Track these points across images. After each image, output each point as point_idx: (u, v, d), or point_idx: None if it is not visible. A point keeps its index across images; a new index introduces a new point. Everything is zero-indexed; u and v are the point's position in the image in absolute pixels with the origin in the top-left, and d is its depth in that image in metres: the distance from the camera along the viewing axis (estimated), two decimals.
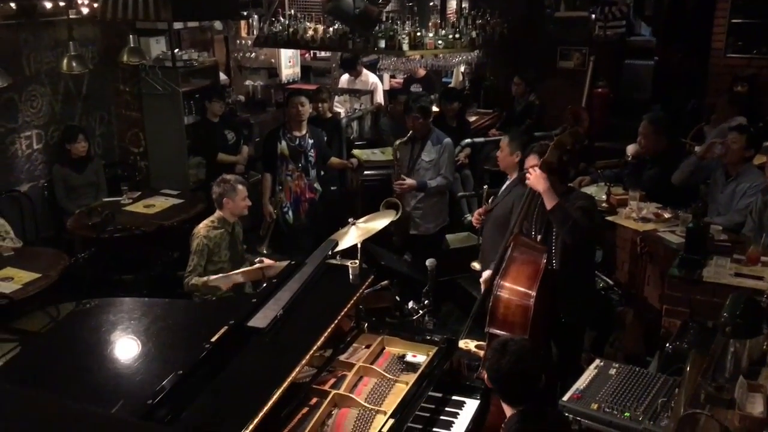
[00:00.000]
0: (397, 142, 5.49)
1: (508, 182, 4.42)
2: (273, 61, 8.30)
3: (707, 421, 2.45)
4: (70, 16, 5.67)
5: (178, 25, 6.87)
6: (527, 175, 3.75)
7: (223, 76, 7.62)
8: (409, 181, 5.36)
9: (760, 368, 2.90)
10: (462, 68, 8.78)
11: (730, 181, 4.59)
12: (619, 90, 8.69)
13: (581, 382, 3.26)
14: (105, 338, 3.03)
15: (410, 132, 5.42)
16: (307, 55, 8.79)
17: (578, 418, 3.10)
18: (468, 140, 6.77)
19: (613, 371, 3.34)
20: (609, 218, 4.71)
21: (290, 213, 5.72)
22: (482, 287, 3.93)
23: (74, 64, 5.49)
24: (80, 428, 2.38)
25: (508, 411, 2.70)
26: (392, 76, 8.81)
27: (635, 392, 3.17)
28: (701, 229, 3.97)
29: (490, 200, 4.47)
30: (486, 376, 2.76)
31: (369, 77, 7.88)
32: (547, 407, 2.75)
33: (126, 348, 2.94)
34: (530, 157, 3.93)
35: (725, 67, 7.57)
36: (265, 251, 5.50)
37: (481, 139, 7.03)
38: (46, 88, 6.15)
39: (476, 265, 4.44)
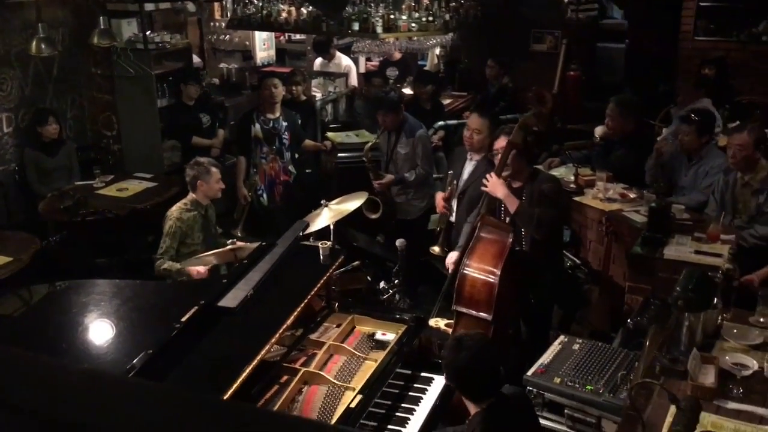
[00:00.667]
0: (368, 144, 5.46)
1: (473, 163, 4.47)
2: (247, 43, 8.26)
3: (660, 392, 2.55)
4: None
5: (149, 7, 6.82)
6: (484, 182, 3.82)
7: (196, 59, 7.58)
8: (387, 177, 5.36)
9: (714, 341, 3.02)
10: (437, 51, 8.80)
11: (692, 164, 4.69)
12: (591, 73, 8.77)
13: (545, 357, 3.36)
14: (76, 320, 3.06)
15: (381, 129, 5.41)
16: (282, 37, 8.76)
17: (542, 392, 3.20)
18: (441, 123, 6.82)
19: (576, 346, 3.44)
20: (576, 198, 4.80)
21: (264, 196, 5.75)
22: (449, 268, 4.00)
23: (43, 47, 5.43)
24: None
25: (472, 408, 2.65)
26: (368, 59, 8.81)
27: (597, 366, 3.28)
28: (663, 209, 4.08)
29: (454, 182, 4.53)
30: (444, 374, 2.73)
31: (342, 60, 7.88)
32: (509, 402, 2.69)
33: (97, 329, 2.97)
34: (500, 139, 3.99)
35: (694, 50, 7.67)
36: (240, 234, 5.53)
37: (455, 122, 7.09)
38: (15, 71, 6.08)
39: (436, 249, 4.51)
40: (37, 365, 0.85)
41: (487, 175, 3.83)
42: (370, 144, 5.47)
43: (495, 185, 3.76)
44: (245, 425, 0.76)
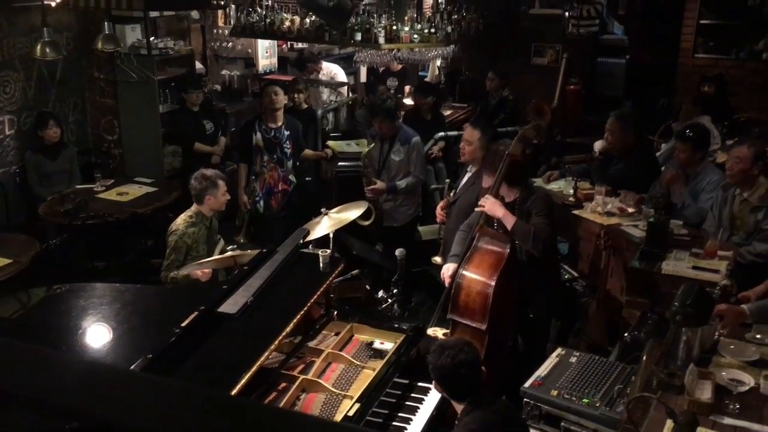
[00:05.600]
0: (365, 149, 5.53)
1: (468, 173, 4.50)
2: (250, 51, 8.29)
3: (657, 406, 2.57)
4: (45, 2, 5.62)
5: (154, 13, 6.85)
6: (480, 204, 3.82)
7: (199, 65, 7.61)
8: (380, 184, 5.40)
9: (711, 356, 3.04)
10: (438, 62, 8.85)
11: (689, 181, 4.72)
12: (591, 87, 8.84)
13: (542, 370, 3.37)
14: (75, 323, 3.08)
15: (376, 136, 5.48)
16: (284, 45, 8.81)
17: (539, 404, 3.21)
18: (442, 133, 6.86)
19: (573, 359, 3.45)
20: (575, 212, 4.83)
21: (261, 203, 5.75)
22: (445, 280, 4.00)
23: (48, 50, 5.45)
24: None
25: (459, 408, 2.84)
26: (373, 67, 8.85)
27: (594, 379, 3.28)
28: (662, 224, 4.10)
29: (451, 193, 4.56)
30: (433, 379, 2.89)
31: (330, 68, 7.93)
32: (493, 396, 2.88)
33: (96, 332, 2.98)
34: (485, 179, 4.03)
35: (693, 66, 7.76)
36: (242, 240, 5.55)
37: (455, 133, 7.12)
38: (19, 74, 6.10)
39: (438, 260, 4.53)
40: (52, 359, 0.87)
41: (483, 198, 3.82)
42: (368, 149, 5.52)
43: (493, 205, 3.77)
44: (257, 422, 0.77)
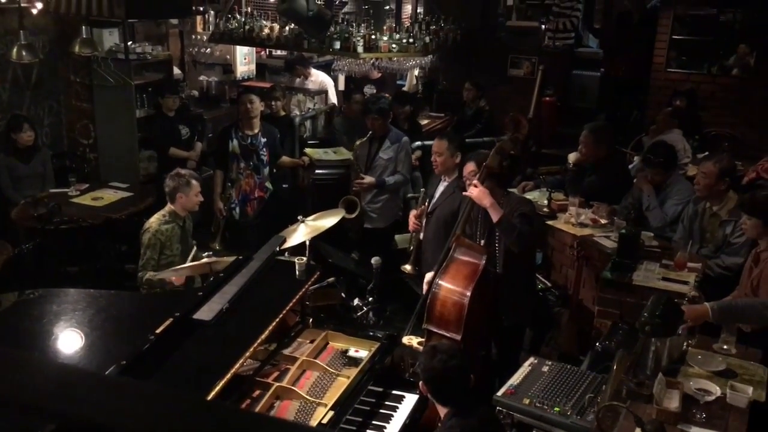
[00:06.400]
0: (357, 142, 5.60)
1: (444, 184, 4.55)
2: (228, 57, 8.28)
3: (626, 415, 2.62)
4: (22, 5, 5.57)
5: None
6: (470, 189, 3.85)
7: (177, 71, 7.58)
8: (368, 179, 5.51)
9: (679, 366, 3.11)
10: (416, 72, 8.92)
11: (660, 191, 4.82)
12: (566, 99, 8.97)
13: (515, 379, 3.41)
14: (48, 328, 3.05)
15: (369, 132, 5.55)
16: (262, 52, 8.81)
17: (511, 413, 3.24)
18: (419, 143, 6.90)
19: (545, 368, 3.49)
20: (549, 222, 4.89)
21: (237, 209, 5.74)
22: (425, 288, 4.04)
23: (24, 54, 5.39)
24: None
25: (442, 411, 2.84)
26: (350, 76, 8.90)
27: (565, 389, 3.33)
28: (633, 235, 4.18)
29: (426, 203, 4.60)
30: (421, 379, 2.90)
31: (320, 77, 7.96)
32: (477, 404, 2.90)
33: (69, 338, 2.96)
34: (468, 164, 4.08)
35: (666, 80, 7.91)
36: (217, 247, 5.53)
37: (432, 142, 7.16)
38: None
39: (407, 268, 4.56)
40: (32, 363, 0.88)
41: (473, 184, 3.85)
42: (358, 143, 5.56)
43: (481, 194, 3.78)
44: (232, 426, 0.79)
